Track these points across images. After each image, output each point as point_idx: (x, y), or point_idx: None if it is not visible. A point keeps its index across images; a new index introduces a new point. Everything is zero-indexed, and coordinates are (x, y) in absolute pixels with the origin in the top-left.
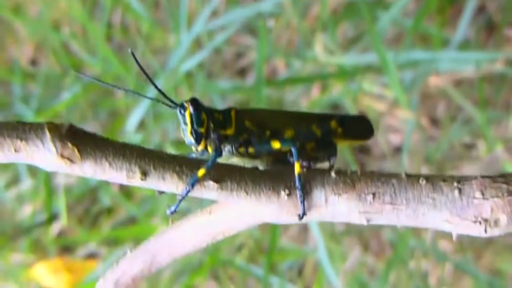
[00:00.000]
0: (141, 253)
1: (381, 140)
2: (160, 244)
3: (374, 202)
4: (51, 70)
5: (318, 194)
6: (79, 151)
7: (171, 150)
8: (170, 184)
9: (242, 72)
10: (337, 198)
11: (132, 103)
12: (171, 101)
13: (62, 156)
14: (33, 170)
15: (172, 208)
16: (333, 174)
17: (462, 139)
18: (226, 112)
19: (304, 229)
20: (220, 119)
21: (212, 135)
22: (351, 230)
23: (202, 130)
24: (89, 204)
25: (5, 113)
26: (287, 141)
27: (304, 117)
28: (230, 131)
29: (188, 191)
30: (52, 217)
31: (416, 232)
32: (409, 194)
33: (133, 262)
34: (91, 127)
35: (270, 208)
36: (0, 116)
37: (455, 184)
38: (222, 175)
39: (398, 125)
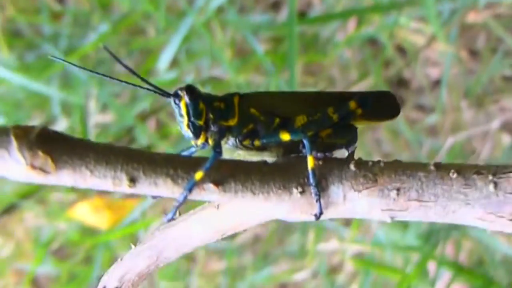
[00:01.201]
0: (147, 248)
1: (420, 74)
2: (166, 240)
3: (398, 199)
4: (79, 8)
5: (336, 190)
6: (53, 159)
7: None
8: (164, 190)
9: (275, 5)
10: (357, 194)
11: (164, 40)
12: (163, 91)
13: (33, 166)
14: (67, 110)
15: (169, 215)
16: (352, 166)
17: (502, 71)
18: (228, 99)
19: None
20: (221, 108)
21: (213, 128)
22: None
23: (200, 122)
24: (126, 143)
25: (34, 54)
26: (297, 132)
27: (318, 100)
28: (232, 122)
29: (186, 197)
30: None
31: None
32: (437, 189)
33: (138, 258)
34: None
35: (281, 207)
36: (30, 56)
37: (490, 177)
38: (224, 175)
39: (436, 58)
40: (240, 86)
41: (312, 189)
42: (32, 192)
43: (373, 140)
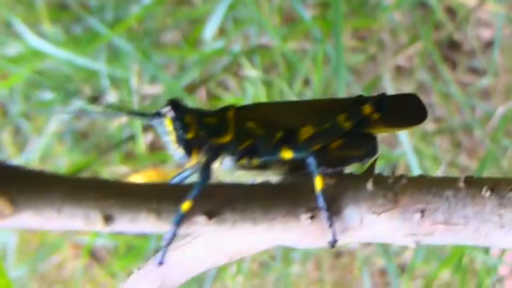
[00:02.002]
0: (151, 272)
1: (471, 36)
2: (171, 263)
3: (422, 222)
4: None
5: (351, 214)
6: (10, 201)
7: (248, 60)
8: (147, 226)
9: None
10: (375, 217)
11: (211, 9)
12: (142, 114)
13: None
14: (116, 83)
15: (159, 259)
16: (369, 185)
17: None
18: (221, 113)
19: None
20: (213, 123)
21: (204, 146)
22: (443, 129)
23: (189, 135)
24: None
25: (79, 27)
26: (301, 149)
27: (327, 107)
28: (227, 138)
29: (174, 233)
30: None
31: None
32: (468, 211)
33: (142, 282)
34: (171, 35)
35: (289, 235)
36: (77, 29)
37: None
38: (218, 204)
39: (488, 19)
40: (287, 54)
41: (323, 214)
42: (85, 167)
43: (426, 104)
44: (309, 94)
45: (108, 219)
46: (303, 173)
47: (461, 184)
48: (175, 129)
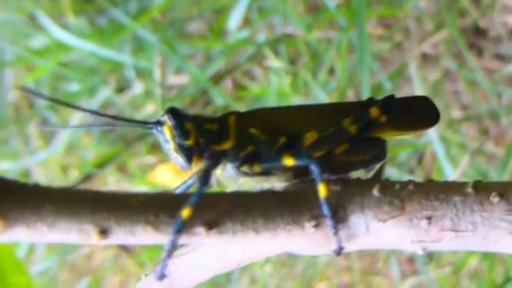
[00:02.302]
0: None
1: (497, 22)
2: (179, 269)
3: (430, 229)
4: None
5: (356, 221)
6: (1, 216)
7: (271, 52)
8: (145, 239)
9: None
10: (381, 225)
11: None
12: (144, 122)
13: None
14: (142, 74)
15: (159, 271)
16: (375, 192)
17: None
18: (222, 119)
19: None
20: (213, 130)
21: (205, 153)
22: (469, 116)
23: (188, 142)
24: (202, 106)
25: (103, 19)
26: (303, 156)
27: (333, 111)
28: (227, 145)
29: (174, 243)
30: None
31: None
32: (476, 217)
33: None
34: (196, 25)
35: (293, 242)
36: (100, 20)
37: None
38: (219, 214)
39: None
40: (311, 43)
41: (328, 222)
42: (111, 158)
43: (452, 91)
44: (334, 84)
45: (103, 233)
46: (308, 179)
47: (469, 189)
48: (174, 137)
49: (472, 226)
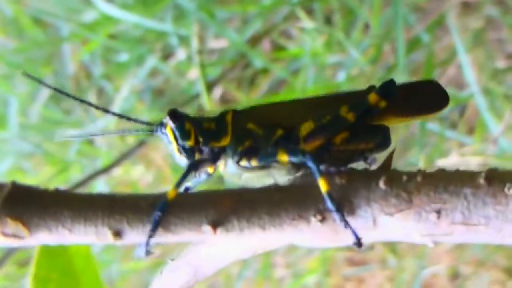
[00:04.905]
0: (184, 264)
1: None
2: (200, 258)
3: (439, 222)
4: None
5: (363, 215)
6: (24, 224)
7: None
8: (156, 238)
9: None
10: (389, 218)
11: None
12: (147, 123)
13: (5, 234)
14: (185, 41)
15: (142, 251)
16: (382, 184)
17: None
18: (220, 117)
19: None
20: (212, 128)
21: (204, 151)
22: None
23: (189, 143)
24: (241, 68)
25: None
26: (296, 152)
27: (328, 100)
28: (225, 141)
29: (157, 222)
30: (211, 84)
31: None
32: (489, 210)
33: (177, 273)
34: None
35: (300, 237)
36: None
37: None
38: (224, 212)
39: None
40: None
41: (335, 216)
42: None
43: (495, 40)
44: (367, 42)
45: (117, 234)
46: (311, 172)
47: (481, 180)
48: (176, 138)
49: (485, 219)
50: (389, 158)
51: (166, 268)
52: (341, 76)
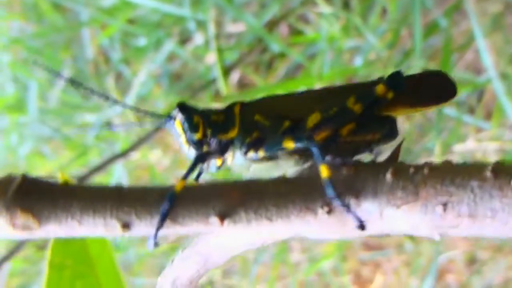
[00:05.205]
0: (194, 253)
1: None
2: (209, 248)
3: (445, 215)
4: None
5: (370, 207)
6: (34, 216)
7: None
8: (164, 230)
9: None
10: (395, 210)
11: None
12: (156, 114)
13: (15, 226)
14: (203, 25)
15: (150, 244)
16: (388, 176)
17: None
18: (228, 110)
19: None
20: (220, 120)
21: (212, 143)
22: None
23: (198, 135)
24: (259, 52)
25: None
26: (302, 138)
27: (335, 92)
28: (233, 133)
29: (165, 214)
30: (228, 69)
31: None
32: (495, 203)
33: (187, 262)
34: None
35: (308, 228)
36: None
37: None
38: (232, 204)
39: None
40: None
41: (337, 203)
42: None
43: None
44: (384, 26)
45: (126, 226)
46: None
47: (488, 173)
48: (185, 130)
49: (491, 212)
50: (397, 150)
51: (177, 257)
52: (358, 61)
